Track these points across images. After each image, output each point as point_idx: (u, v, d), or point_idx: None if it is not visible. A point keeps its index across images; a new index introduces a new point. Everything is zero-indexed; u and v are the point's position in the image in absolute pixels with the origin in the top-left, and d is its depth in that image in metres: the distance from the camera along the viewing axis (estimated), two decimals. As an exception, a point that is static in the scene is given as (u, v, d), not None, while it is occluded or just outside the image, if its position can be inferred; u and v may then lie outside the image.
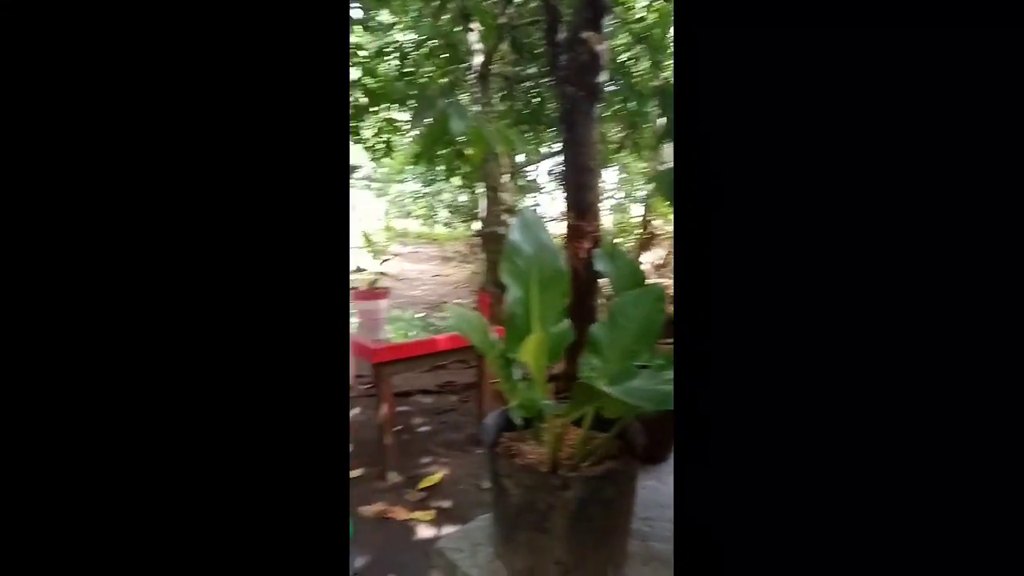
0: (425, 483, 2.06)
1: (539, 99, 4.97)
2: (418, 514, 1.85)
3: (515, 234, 0.80)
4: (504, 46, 4.00)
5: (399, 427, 2.61)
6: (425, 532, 1.80)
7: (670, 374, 0.60)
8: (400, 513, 1.85)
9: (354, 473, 2.10)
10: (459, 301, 6.11)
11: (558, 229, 2.83)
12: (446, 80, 4.53)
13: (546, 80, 5.03)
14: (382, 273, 2.67)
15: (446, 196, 13.09)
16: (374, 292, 2.28)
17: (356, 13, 3.40)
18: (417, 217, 14.17)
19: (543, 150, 6.31)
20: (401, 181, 14.30)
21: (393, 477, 2.09)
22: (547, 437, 0.68)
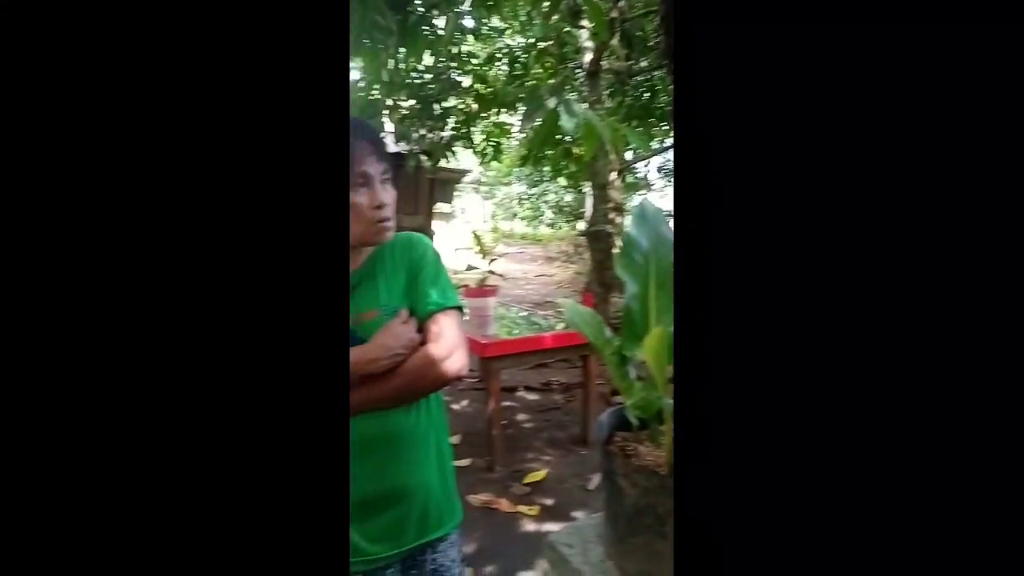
0: (530, 479, 2.09)
1: (650, 93, 4.80)
2: (523, 508, 1.88)
3: (633, 228, 0.77)
4: (614, 41, 3.92)
5: (504, 422, 2.68)
6: (528, 526, 1.83)
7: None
8: (505, 505, 1.90)
9: (462, 463, 2.19)
10: (559, 301, 6.11)
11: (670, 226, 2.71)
12: (555, 80, 4.55)
13: (657, 73, 4.84)
14: (490, 272, 2.76)
15: (551, 197, 13.18)
16: (483, 290, 2.36)
17: (468, 23, 3.55)
18: (522, 218, 14.46)
19: (654, 145, 6.08)
20: (508, 184, 14.69)
21: (499, 469, 2.15)
22: (666, 439, 0.65)
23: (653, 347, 0.60)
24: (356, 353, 0.69)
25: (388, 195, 0.74)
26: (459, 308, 0.80)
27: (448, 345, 0.74)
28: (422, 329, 0.76)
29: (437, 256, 0.82)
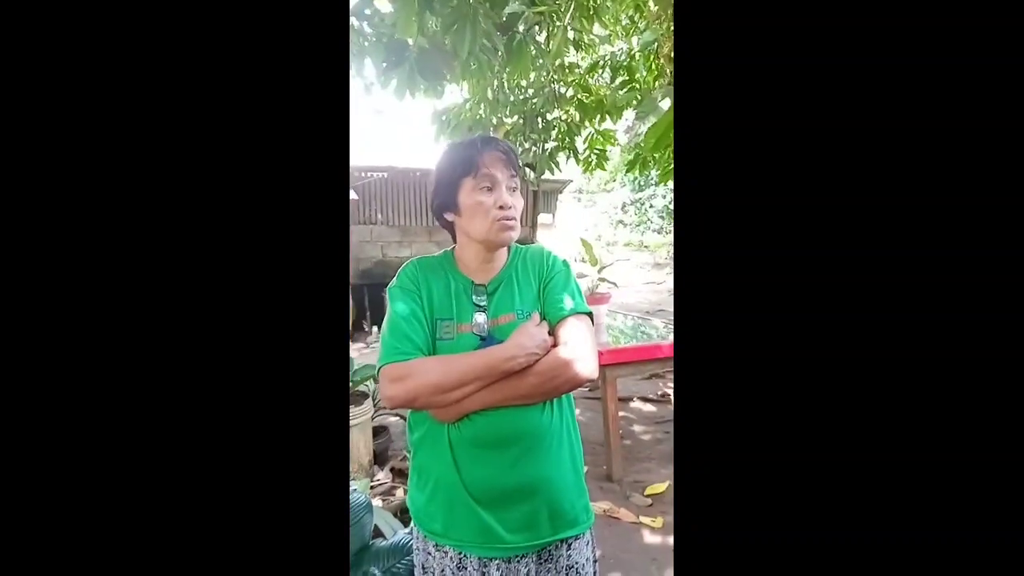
0: (651, 491, 2.03)
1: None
2: (646, 520, 1.83)
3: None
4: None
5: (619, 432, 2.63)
6: (650, 538, 1.77)
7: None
8: (627, 515, 1.86)
9: (579, 470, 2.19)
10: (670, 309, 5.86)
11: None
12: (663, 81, 4.42)
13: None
14: (602, 279, 2.74)
15: (658, 202, 12.76)
16: (595, 297, 2.35)
17: (569, 34, 3.59)
18: (627, 225, 14.16)
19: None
20: (610, 191, 14.50)
21: (618, 479, 2.12)
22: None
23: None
24: (496, 352, 0.74)
25: (514, 200, 0.79)
26: (589, 314, 0.82)
27: (579, 348, 0.76)
28: (553, 333, 0.79)
29: (566, 266, 0.87)
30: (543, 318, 0.80)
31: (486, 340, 0.77)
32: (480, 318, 0.79)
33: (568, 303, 0.80)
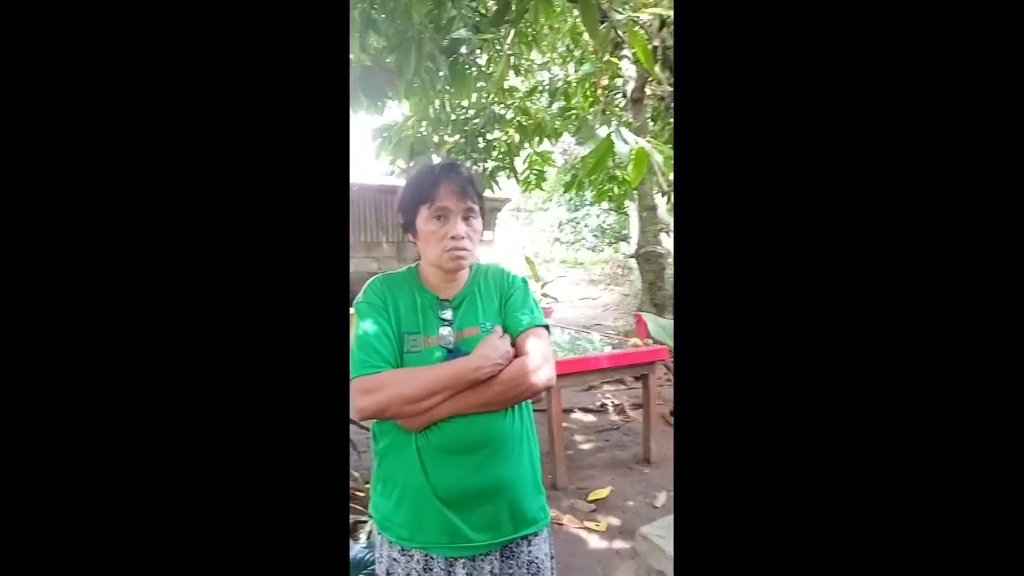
0: (594, 496, 2.12)
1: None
2: (590, 524, 1.91)
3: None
4: (657, 68, 4.02)
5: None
6: (595, 543, 1.85)
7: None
8: (572, 522, 1.93)
9: (525, 480, 2.25)
10: (606, 323, 6.10)
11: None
12: (598, 107, 4.68)
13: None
14: (544, 294, 2.85)
15: (592, 221, 13.27)
16: (540, 311, 2.45)
17: (511, 60, 3.75)
18: (563, 242, 14.59)
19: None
20: (546, 210, 14.90)
21: (562, 487, 2.19)
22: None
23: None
24: (463, 363, 0.79)
25: (466, 229, 0.85)
26: (546, 327, 0.89)
27: (538, 358, 0.83)
28: (515, 344, 0.85)
29: (525, 283, 0.95)
30: (505, 331, 0.87)
31: (452, 352, 0.82)
32: (446, 331, 0.84)
33: (527, 317, 0.88)
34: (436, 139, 4.14)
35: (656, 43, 3.71)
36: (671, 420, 2.99)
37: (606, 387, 3.70)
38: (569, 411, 3.21)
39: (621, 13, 2.47)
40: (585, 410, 3.29)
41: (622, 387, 3.70)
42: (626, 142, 1.85)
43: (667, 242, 4.83)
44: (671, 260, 6.19)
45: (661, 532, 0.79)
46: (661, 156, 1.92)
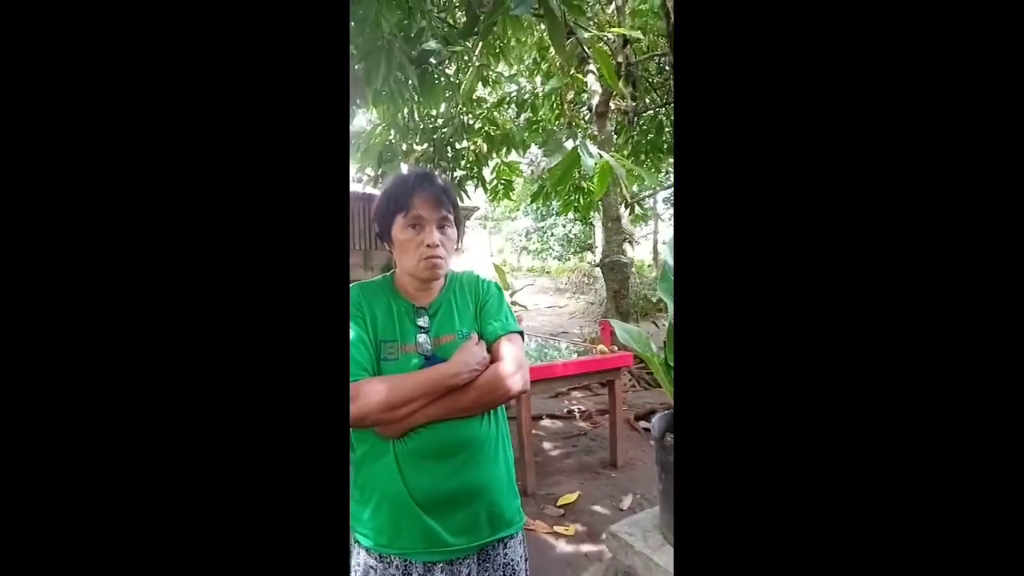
0: (563, 501, 2.15)
1: (655, 131, 5.03)
2: (559, 528, 1.94)
3: (669, 257, 0.91)
4: (621, 84, 4.16)
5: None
6: (563, 547, 1.88)
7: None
8: (542, 527, 1.96)
9: (495, 488, 2.26)
10: (572, 331, 6.19)
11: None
12: (564, 120, 4.78)
13: (662, 111, 5.07)
14: (514, 302, 2.89)
15: (558, 231, 13.46)
16: (509, 319, 2.48)
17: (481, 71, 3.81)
18: (530, 251, 14.73)
19: (660, 177, 6.29)
20: (514, 219, 15.03)
21: (532, 493, 2.22)
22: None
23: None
24: (441, 369, 0.81)
25: (441, 238, 0.87)
26: (520, 333, 0.92)
27: (513, 364, 0.86)
28: (490, 350, 0.88)
29: (499, 290, 0.97)
30: (481, 337, 0.89)
31: (429, 359, 0.84)
32: (423, 339, 0.85)
33: (502, 323, 0.90)
34: (404, 147, 4.14)
35: (620, 59, 3.84)
36: (636, 425, 3.06)
37: (574, 393, 3.76)
38: (538, 418, 3.24)
39: (587, 30, 2.55)
40: (553, 416, 3.33)
41: (589, 393, 3.77)
42: (591, 155, 1.92)
43: (631, 252, 4.96)
44: (635, 269, 6.35)
45: (630, 530, 0.82)
46: (624, 170, 2.00)
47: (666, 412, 0.85)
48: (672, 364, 0.82)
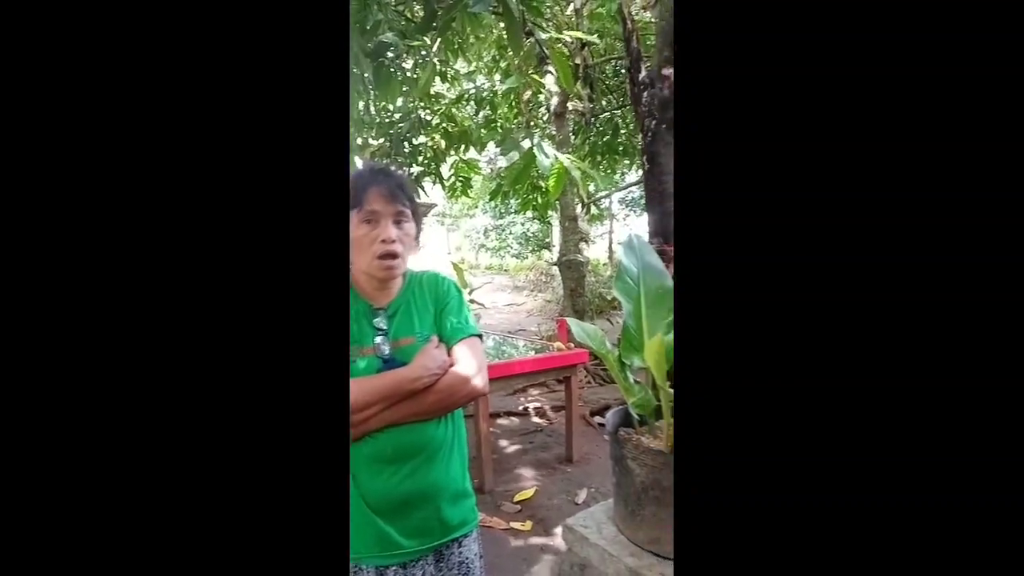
0: (520, 497, 2.18)
1: (612, 132, 5.14)
2: (516, 524, 1.96)
3: (623, 257, 0.93)
4: (578, 85, 4.22)
5: (489, 446, 2.76)
6: (518, 542, 1.91)
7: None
8: (499, 523, 1.98)
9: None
10: (530, 329, 6.24)
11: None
12: (522, 119, 4.80)
13: (619, 113, 5.18)
14: (472, 300, 2.88)
15: (516, 229, 13.52)
16: (467, 317, 2.48)
17: (437, 66, 3.77)
18: (488, 249, 14.72)
19: (616, 178, 6.43)
20: (472, 216, 14.98)
21: (489, 490, 2.23)
22: (664, 430, 0.79)
23: (653, 353, 0.74)
24: (402, 373, 0.81)
25: (398, 233, 0.85)
26: (479, 336, 0.92)
27: (473, 367, 0.86)
28: (449, 353, 0.88)
29: (459, 291, 0.96)
30: (440, 340, 0.89)
31: (388, 363, 0.83)
32: (380, 340, 0.84)
33: (461, 326, 0.90)
34: (360, 141, 4.05)
35: (577, 61, 3.90)
36: (592, 420, 3.13)
37: (531, 391, 3.80)
38: (496, 415, 3.26)
39: (545, 31, 2.58)
40: (511, 414, 3.35)
41: (546, 390, 3.82)
42: (547, 155, 1.95)
43: (587, 251, 5.05)
44: (591, 268, 6.47)
45: (584, 523, 0.84)
46: (579, 172, 2.04)
47: (620, 408, 0.88)
48: (625, 362, 0.85)
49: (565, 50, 3.66)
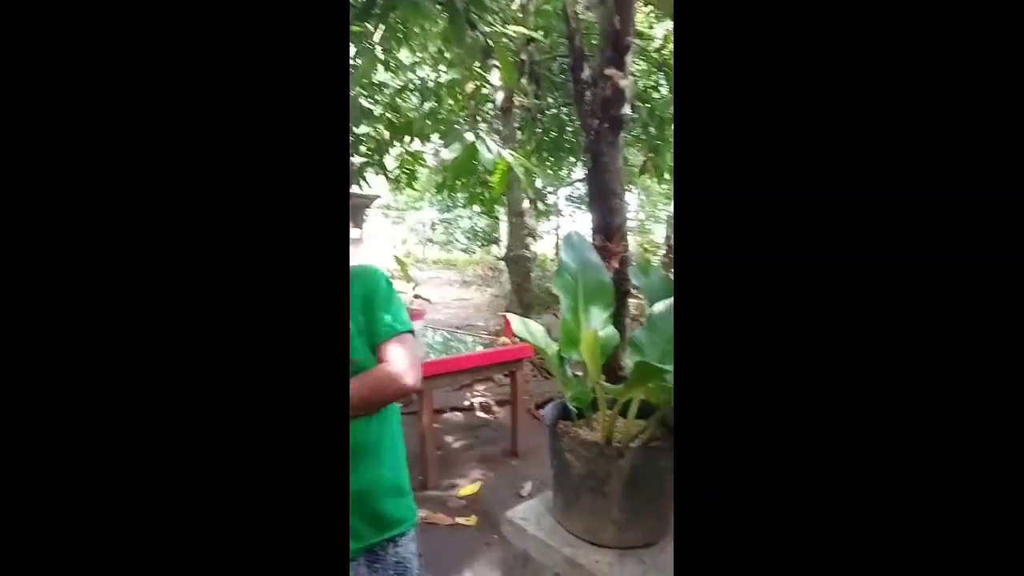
0: (464, 492, 2.18)
1: (558, 129, 5.20)
2: (461, 520, 1.96)
3: (564, 254, 0.95)
4: (524, 81, 4.23)
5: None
6: (466, 537, 1.91)
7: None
8: (444, 519, 1.97)
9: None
10: (478, 324, 6.24)
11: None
12: (468, 112, 4.76)
13: (565, 111, 5.25)
14: (417, 295, 2.84)
15: (464, 223, 13.43)
16: (410, 313, 2.44)
17: (379, 53, 3.66)
18: (435, 243, 14.53)
19: (562, 174, 6.52)
20: (418, 209, 14.73)
21: (434, 487, 2.21)
22: (602, 415, 0.81)
23: (588, 347, 0.76)
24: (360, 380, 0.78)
25: None
26: (411, 331, 0.91)
27: (404, 363, 0.85)
28: (380, 349, 0.86)
29: (389, 284, 0.93)
30: (369, 334, 0.86)
31: None
32: None
33: (392, 321, 0.88)
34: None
35: (524, 57, 3.91)
36: (537, 413, 3.17)
37: (477, 386, 3.79)
38: (441, 411, 3.23)
39: (490, 25, 2.57)
40: (456, 409, 3.34)
41: (492, 384, 3.83)
42: (490, 151, 1.94)
43: (534, 246, 5.10)
44: (537, 264, 6.53)
45: (524, 515, 0.86)
46: (523, 168, 2.05)
47: (558, 401, 0.89)
48: (564, 356, 0.87)
49: (512, 45, 3.65)
